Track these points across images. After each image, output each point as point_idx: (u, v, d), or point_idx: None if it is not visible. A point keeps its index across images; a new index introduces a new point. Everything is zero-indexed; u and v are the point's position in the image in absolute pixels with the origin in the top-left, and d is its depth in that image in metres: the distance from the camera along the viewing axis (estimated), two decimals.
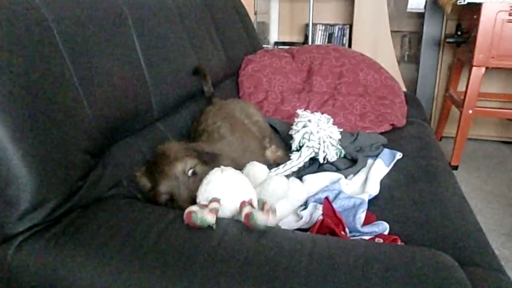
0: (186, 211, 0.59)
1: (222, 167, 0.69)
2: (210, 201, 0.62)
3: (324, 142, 1.02)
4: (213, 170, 0.68)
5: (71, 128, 0.65)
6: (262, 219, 0.58)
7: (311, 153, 1.03)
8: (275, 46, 2.86)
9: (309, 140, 1.02)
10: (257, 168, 0.82)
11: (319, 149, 1.02)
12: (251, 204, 0.63)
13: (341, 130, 1.10)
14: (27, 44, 0.61)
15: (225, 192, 0.64)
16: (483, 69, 2.07)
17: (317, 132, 1.02)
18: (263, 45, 1.98)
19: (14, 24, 0.60)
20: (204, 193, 0.65)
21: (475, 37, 2.04)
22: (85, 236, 0.59)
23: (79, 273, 0.55)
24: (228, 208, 0.64)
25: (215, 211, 0.60)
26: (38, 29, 0.64)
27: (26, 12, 0.63)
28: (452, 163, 2.21)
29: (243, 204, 0.63)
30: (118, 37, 0.82)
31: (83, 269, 0.55)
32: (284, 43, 2.86)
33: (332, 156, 1.03)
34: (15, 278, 0.57)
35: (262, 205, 0.62)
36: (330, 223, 0.68)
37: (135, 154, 0.82)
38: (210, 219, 0.58)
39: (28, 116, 0.59)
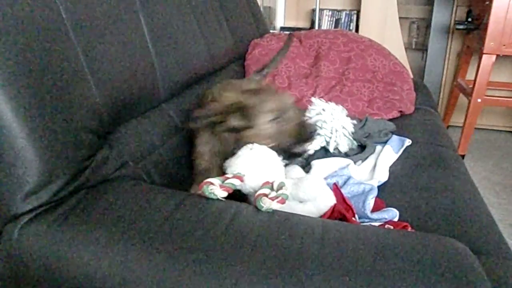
0: (204, 181, 0.63)
1: (252, 144, 0.71)
2: (233, 176, 0.66)
3: (336, 131, 1.00)
4: (245, 146, 0.71)
5: (77, 107, 0.64)
6: (265, 203, 0.59)
7: (322, 141, 1.01)
8: (281, 32, 2.81)
9: (321, 128, 1.00)
10: (296, 172, 0.84)
11: (330, 138, 1.00)
12: (272, 185, 0.65)
13: (354, 121, 1.08)
14: (33, 22, 0.59)
15: (249, 169, 0.68)
16: (494, 57, 2.03)
17: (331, 121, 1.00)
18: (270, 30, 1.94)
19: (19, 3, 0.58)
20: (233, 166, 0.69)
21: (486, 24, 1.99)
22: (91, 217, 0.58)
23: (84, 254, 0.54)
24: (250, 185, 0.68)
25: (229, 187, 0.64)
26: (44, 8, 0.62)
27: None
28: (459, 152, 2.18)
29: (263, 185, 0.65)
30: (125, 18, 0.80)
31: (88, 249, 0.54)
32: (290, 29, 2.82)
33: (344, 147, 1.02)
34: (21, 257, 0.56)
35: (277, 188, 0.64)
36: (342, 209, 0.67)
37: (142, 136, 0.81)
38: (219, 193, 0.62)
39: (33, 95, 0.57)
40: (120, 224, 0.56)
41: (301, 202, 0.69)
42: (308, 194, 0.67)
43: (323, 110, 1.02)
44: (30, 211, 0.58)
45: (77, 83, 0.65)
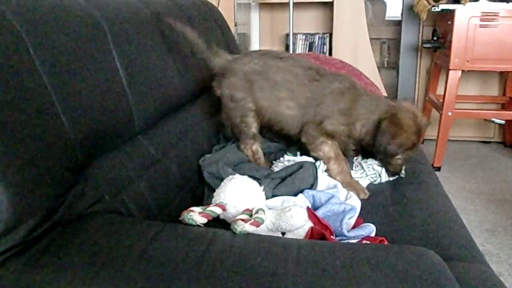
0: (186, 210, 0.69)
1: (233, 175, 0.80)
2: (215, 205, 0.73)
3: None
4: (228, 177, 0.79)
5: (48, 144, 0.64)
6: (239, 225, 0.62)
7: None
8: None
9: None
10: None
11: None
12: (251, 212, 0.69)
13: None
14: None
15: (231, 198, 0.74)
16: (460, 72, 2.12)
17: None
18: None
19: None
20: (216, 196, 0.76)
21: (450, 42, 2.10)
22: (66, 255, 0.57)
23: None
24: (232, 214, 0.73)
25: (209, 214, 0.69)
26: (10, 41, 0.62)
27: None
28: (435, 165, 2.24)
29: (243, 212, 0.70)
30: (96, 49, 0.81)
31: None
32: None
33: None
34: None
35: (254, 213, 0.67)
36: (319, 229, 0.69)
37: (118, 169, 0.81)
38: (198, 219, 0.66)
39: (1, 133, 0.57)
40: (97, 260, 0.55)
41: (283, 233, 0.71)
42: (290, 224, 0.69)
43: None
44: (2, 253, 0.56)
45: (47, 119, 0.65)
